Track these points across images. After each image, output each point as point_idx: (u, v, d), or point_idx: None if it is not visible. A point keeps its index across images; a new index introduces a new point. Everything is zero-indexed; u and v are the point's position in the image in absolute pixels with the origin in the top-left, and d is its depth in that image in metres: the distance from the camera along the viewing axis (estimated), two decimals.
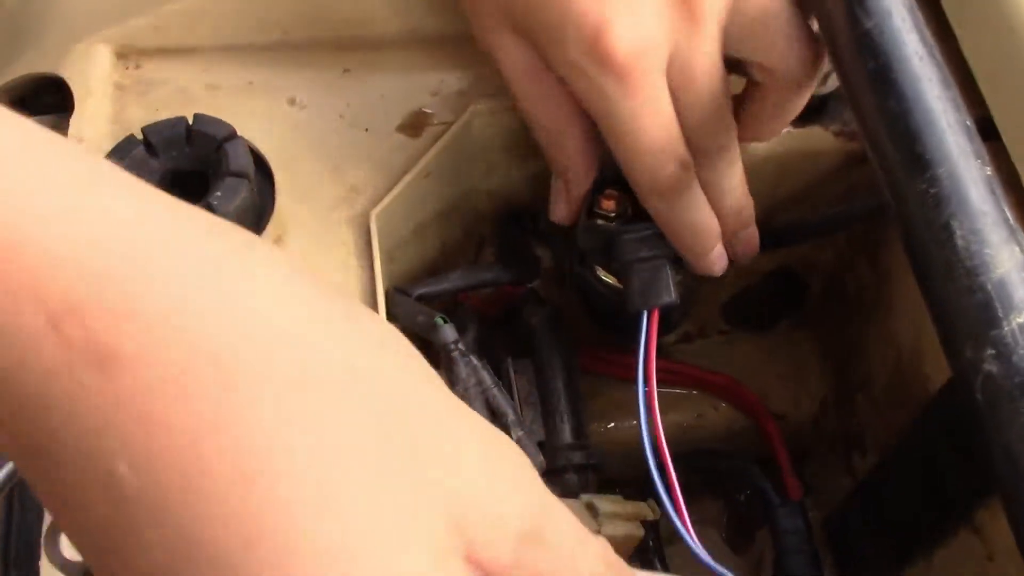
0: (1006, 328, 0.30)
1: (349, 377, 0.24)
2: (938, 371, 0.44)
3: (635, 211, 0.47)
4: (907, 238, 0.33)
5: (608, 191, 0.46)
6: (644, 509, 0.43)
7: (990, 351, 0.30)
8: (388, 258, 0.47)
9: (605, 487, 0.51)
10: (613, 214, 0.47)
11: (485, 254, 0.54)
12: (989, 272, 0.31)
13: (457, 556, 0.25)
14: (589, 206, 0.47)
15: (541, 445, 0.46)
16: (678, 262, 0.45)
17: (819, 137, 0.48)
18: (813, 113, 0.48)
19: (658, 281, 0.45)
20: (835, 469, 0.55)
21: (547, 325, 0.48)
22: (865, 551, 0.52)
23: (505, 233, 0.52)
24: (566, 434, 0.46)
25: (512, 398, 0.46)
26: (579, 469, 0.46)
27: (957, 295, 0.31)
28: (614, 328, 0.49)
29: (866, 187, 0.48)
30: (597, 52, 0.37)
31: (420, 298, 0.44)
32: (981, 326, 0.30)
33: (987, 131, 0.43)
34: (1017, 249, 0.31)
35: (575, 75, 0.39)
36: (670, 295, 0.44)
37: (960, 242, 0.31)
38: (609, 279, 0.47)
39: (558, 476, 0.46)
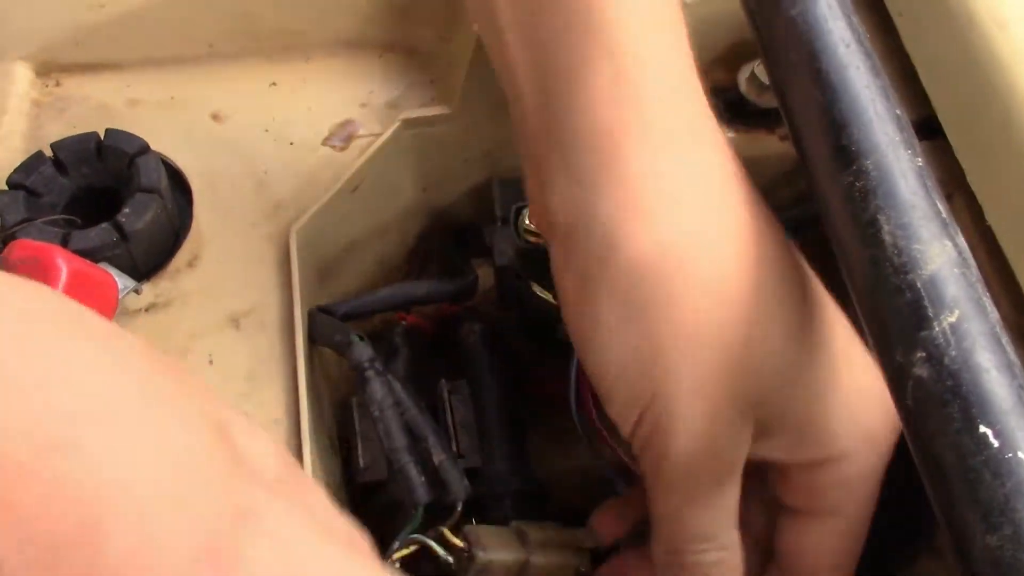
0: (936, 329, 0.28)
1: None
2: None
3: None
4: (834, 236, 0.31)
5: None
6: (578, 537, 0.40)
7: (920, 354, 0.28)
8: (320, 276, 0.45)
9: (555, 516, 0.48)
10: None
11: (429, 272, 0.52)
12: (919, 269, 0.29)
13: None
14: (517, 222, 0.45)
15: (477, 472, 0.44)
16: None
17: (765, 142, 0.46)
18: (759, 118, 0.46)
19: None
20: None
21: (483, 344, 0.45)
22: None
23: (444, 249, 0.50)
24: (502, 460, 0.43)
25: (446, 421, 0.44)
26: (517, 496, 0.43)
27: (885, 295, 0.29)
28: (551, 347, 0.46)
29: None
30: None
31: (346, 316, 0.42)
32: (911, 327, 0.28)
33: (931, 129, 0.41)
34: (949, 244, 0.29)
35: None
36: None
37: (887, 238, 0.29)
38: (545, 295, 0.44)
39: (495, 502, 0.43)
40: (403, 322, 0.46)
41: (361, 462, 0.42)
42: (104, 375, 0.22)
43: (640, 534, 0.40)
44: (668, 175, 0.32)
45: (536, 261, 0.44)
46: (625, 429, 0.35)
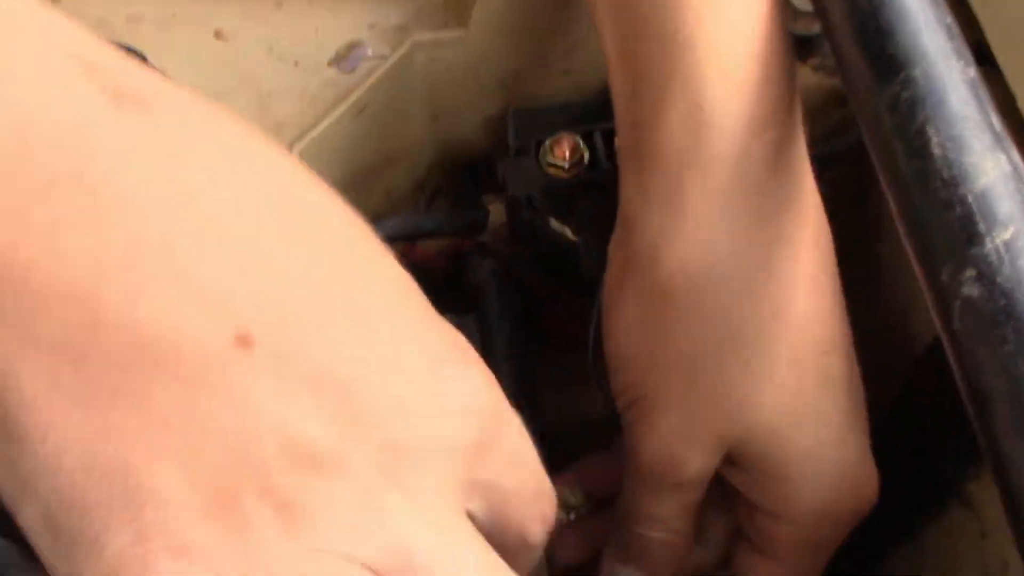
0: (989, 246, 0.26)
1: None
2: (927, 328, 0.40)
3: (592, 159, 0.43)
4: (877, 153, 0.29)
5: (562, 135, 0.42)
6: (564, 493, 0.39)
7: (970, 272, 0.25)
8: None
9: (558, 463, 0.46)
10: (568, 163, 0.42)
11: (439, 207, 0.50)
12: (970, 183, 0.26)
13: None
14: (539, 154, 0.42)
15: None
16: None
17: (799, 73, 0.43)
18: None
19: None
20: None
21: (493, 279, 0.43)
22: (852, 540, 0.48)
23: (456, 183, 0.48)
24: (508, 400, 0.41)
25: None
26: None
27: (933, 210, 0.27)
28: (567, 283, 0.44)
29: (850, 127, 0.43)
30: None
31: None
32: (960, 244, 0.26)
33: (982, 55, 0.38)
34: (1004, 158, 0.27)
35: None
36: None
37: (937, 151, 0.27)
38: (562, 229, 0.42)
39: None
40: (407, 255, 0.44)
41: None
42: None
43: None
44: (717, 212, 0.34)
45: (556, 195, 0.42)
46: (619, 403, 0.38)
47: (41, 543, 0.22)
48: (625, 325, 0.37)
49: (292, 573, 0.21)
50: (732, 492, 0.38)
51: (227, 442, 0.21)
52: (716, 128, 0.34)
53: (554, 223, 0.42)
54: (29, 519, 0.21)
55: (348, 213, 0.25)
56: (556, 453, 0.46)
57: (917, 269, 0.27)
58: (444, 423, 0.23)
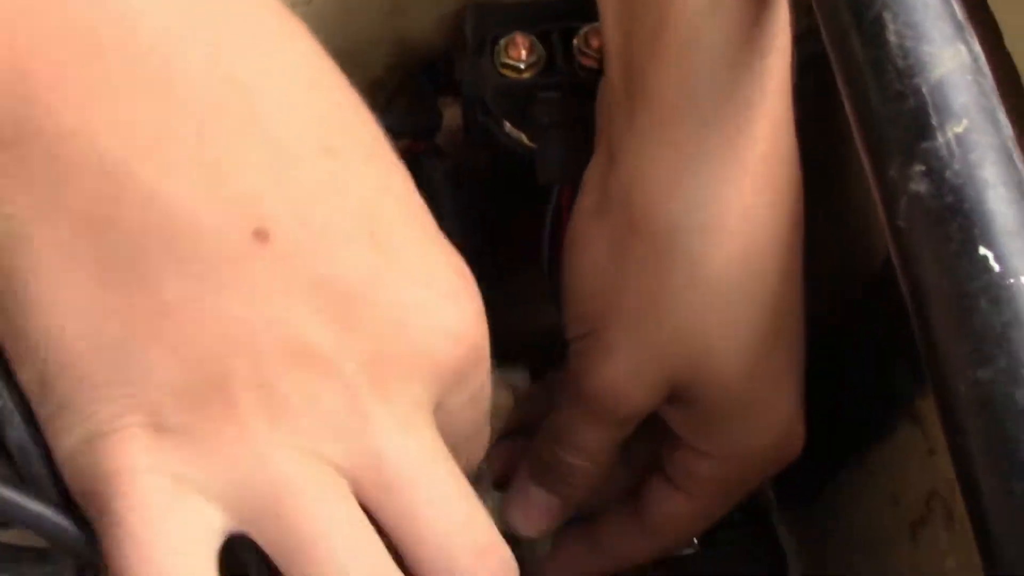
0: (940, 140, 0.24)
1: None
2: (883, 242, 0.38)
3: (551, 60, 0.41)
4: (834, 44, 0.27)
5: (518, 36, 0.40)
6: (514, 377, 0.38)
7: (919, 167, 0.24)
8: None
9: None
10: (523, 64, 0.41)
11: (397, 108, 0.48)
12: (926, 73, 0.25)
13: None
14: (494, 52, 0.41)
15: None
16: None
17: None
18: None
19: (578, 152, 0.39)
20: None
21: (446, 182, 0.42)
22: (802, 456, 0.47)
23: (414, 84, 0.46)
24: None
25: None
26: None
27: (885, 102, 0.25)
28: (522, 193, 0.43)
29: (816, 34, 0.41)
30: None
31: None
32: (911, 137, 0.24)
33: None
34: (963, 49, 0.25)
35: None
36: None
37: (892, 38, 0.25)
38: (517, 135, 0.41)
39: None
40: None
41: None
42: None
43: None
44: (702, 153, 0.34)
45: (512, 98, 0.40)
46: (569, 333, 0.38)
47: (36, 402, 0.23)
48: (592, 259, 0.36)
49: (259, 462, 0.22)
50: (657, 425, 0.38)
51: (227, 331, 0.22)
52: (708, 66, 0.33)
53: (509, 128, 0.41)
54: (27, 380, 0.22)
55: (373, 123, 0.26)
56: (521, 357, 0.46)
57: (867, 166, 0.26)
58: (434, 344, 0.24)
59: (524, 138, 0.41)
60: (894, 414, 0.38)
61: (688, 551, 0.43)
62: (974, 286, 0.23)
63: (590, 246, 0.36)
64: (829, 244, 0.44)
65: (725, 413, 0.36)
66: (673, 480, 0.39)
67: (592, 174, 0.37)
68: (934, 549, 0.37)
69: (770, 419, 0.37)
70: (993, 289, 0.23)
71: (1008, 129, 0.25)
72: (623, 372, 0.36)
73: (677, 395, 0.36)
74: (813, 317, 0.47)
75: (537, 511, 0.40)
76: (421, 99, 0.45)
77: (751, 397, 0.36)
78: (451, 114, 0.46)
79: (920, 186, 0.24)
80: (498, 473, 0.42)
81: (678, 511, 0.39)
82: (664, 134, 0.34)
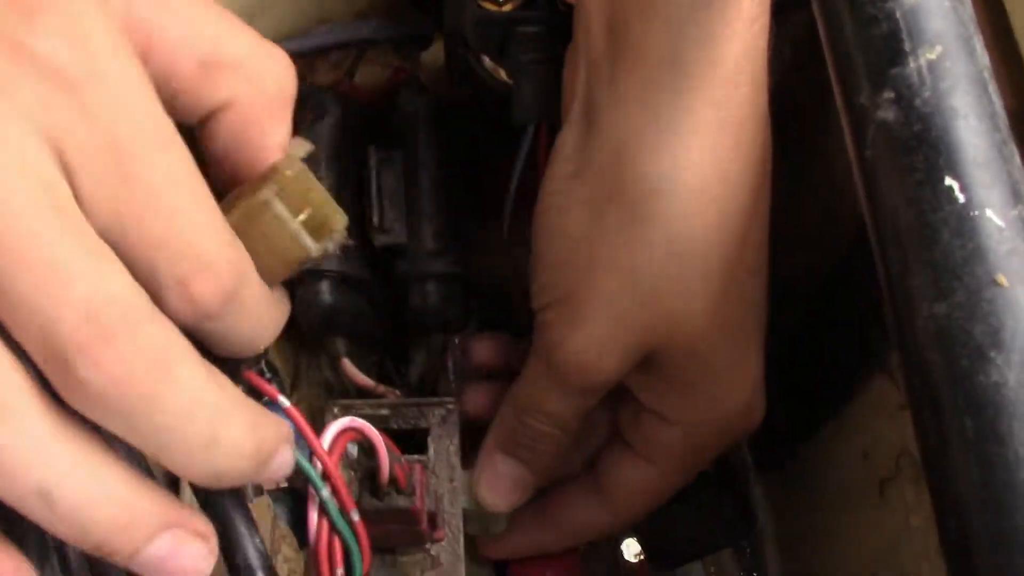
0: (912, 65, 0.23)
1: None
2: None
3: None
4: None
5: None
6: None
7: (888, 94, 0.23)
8: (248, 15, 0.40)
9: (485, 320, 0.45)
10: None
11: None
12: None
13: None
14: None
15: (403, 248, 0.40)
16: None
17: None
18: None
19: (553, 91, 0.38)
20: None
21: (425, 115, 0.41)
22: (777, 417, 0.47)
23: (400, 10, 0.45)
24: (428, 239, 0.40)
25: (371, 192, 0.40)
26: (441, 279, 0.40)
27: (858, 27, 0.24)
28: (501, 128, 0.42)
29: None
30: None
31: None
32: (882, 63, 0.24)
33: None
34: None
35: None
36: (559, 113, 0.38)
37: None
38: (497, 71, 0.40)
39: (418, 283, 0.40)
40: (341, 88, 0.42)
41: (375, 219, 0.39)
42: None
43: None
44: (689, 119, 0.33)
45: (490, 31, 0.39)
46: (537, 301, 0.37)
47: None
48: (566, 226, 0.36)
49: None
50: (620, 392, 0.38)
51: None
52: (697, 26, 0.33)
53: (487, 63, 0.40)
54: None
55: None
56: (483, 313, 0.45)
57: (837, 95, 0.25)
58: None
59: (503, 74, 0.40)
60: (869, 370, 0.37)
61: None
62: (937, 217, 0.22)
63: (564, 213, 0.36)
64: (812, 202, 0.43)
65: (693, 379, 0.36)
66: (634, 447, 0.38)
67: (566, 140, 0.36)
68: (901, 506, 0.37)
69: (736, 385, 0.37)
70: (956, 220, 0.22)
71: (985, 59, 0.24)
72: (595, 342, 0.35)
73: (645, 362, 0.36)
74: (792, 277, 0.46)
75: (504, 483, 0.39)
76: (404, 13, 0.44)
77: (721, 364, 0.36)
78: (434, 52, 0.45)
79: (888, 114, 0.23)
80: (473, 415, 0.42)
81: (639, 479, 0.39)
82: (649, 95, 0.33)
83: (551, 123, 0.38)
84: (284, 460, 0.25)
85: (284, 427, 0.25)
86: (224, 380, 0.23)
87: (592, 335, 0.35)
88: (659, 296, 0.34)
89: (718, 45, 0.33)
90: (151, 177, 0.22)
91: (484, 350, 0.42)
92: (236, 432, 0.23)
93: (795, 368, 0.45)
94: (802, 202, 0.45)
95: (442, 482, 0.37)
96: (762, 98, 0.35)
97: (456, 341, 0.42)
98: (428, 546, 0.37)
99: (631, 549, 0.50)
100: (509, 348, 0.43)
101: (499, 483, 0.39)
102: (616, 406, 0.39)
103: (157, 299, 0.22)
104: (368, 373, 0.42)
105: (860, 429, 0.39)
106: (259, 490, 0.31)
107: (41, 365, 0.21)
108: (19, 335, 0.21)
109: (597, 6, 0.35)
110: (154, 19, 0.24)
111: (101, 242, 0.21)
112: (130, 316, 0.21)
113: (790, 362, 0.45)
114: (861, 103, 0.24)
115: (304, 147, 0.26)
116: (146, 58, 0.24)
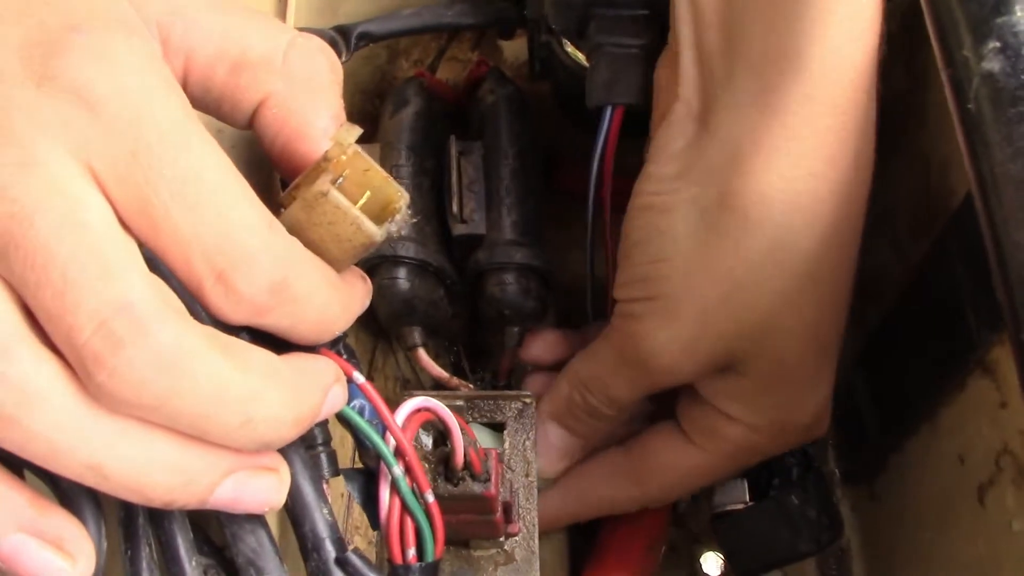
0: (1019, 13, 0.22)
1: None
2: (963, 183, 0.36)
3: None
4: None
5: None
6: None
7: (993, 44, 0.22)
8: (331, 5, 0.41)
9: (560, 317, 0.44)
10: None
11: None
12: None
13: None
14: None
15: (481, 239, 0.39)
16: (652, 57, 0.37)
17: None
18: None
19: (628, 75, 0.37)
20: (848, 328, 0.47)
21: (506, 105, 0.41)
22: (867, 424, 0.45)
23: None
24: (507, 229, 0.39)
25: (450, 182, 0.39)
26: (520, 271, 0.39)
27: None
28: (580, 119, 0.41)
29: None
30: None
31: (362, 36, 0.37)
32: (985, 12, 0.23)
33: None
34: None
35: None
36: (637, 96, 0.37)
37: None
38: (577, 56, 0.39)
39: (496, 274, 0.39)
40: (421, 78, 0.42)
41: (455, 208, 0.39)
42: None
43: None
44: (811, 126, 0.33)
45: (569, 12, 0.38)
46: (621, 292, 0.36)
47: None
48: (669, 223, 0.35)
49: None
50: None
51: None
52: (819, 33, 0.32)
53: (568, 47, 0.39)
54: None
55: None
56: (562, 308, 0.44)
57: (937, 51, 0.24)
58: None
59: (583, 60, 0.39)
60: (966, 364, 0.35)
61: (738, 506, 0.41)
62: None
63: (667, 212, 0.35)
64: (903, 195, 0.42)
65: (771, 388, 0.36)
66: (689, 435, 0.38)
67: (670, 139, 0.35)
68: (1001, 512, 0.35)
69: (811, 397, 0.36)
70: None
71: None
72: (681, 342, 0.35)
73: (726, 367, 0.36)
74: (880, 270, 0.44)
75: (554, 451, 0.39)
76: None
77: (803, 375, 0.36)
78: (514, 48, 0.45)
79: (993, 64, 0.22)
80: (532, 359, 0.42)
81: (685, 464, 0.38)
82: (770, 99, 0.32)
83: (626, 107, 0.37)
84: (335, 402, 0.26)
85: (328, 374, 0.26)
86: (250, 361, 0.23)
87: (680, 335, 0.35)
88: (756, 305, 0.34)
89: (843, 51, 0.32)
90: (174, 176, 0.23)
91: (537, 347, 0.42)
92: (272, 408, 0.24)
93: (885, 369, 0.43)
94: (893, 195, 0.43)
95: (517, 476, 0.36)
96: (875, 108, 0.34)
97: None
98: (502, 540, 0.36)
99: (709, 563, 0.49)
100: (560, 345, 0.42)
101: (550, 451, 0.40)
102: (676, 392, 0.39)
103: (202, 299, 0.23)
104: (443, 368, 0.41)
105: (956, 431, 0.37)
106: (334, 470, 0.30)
107: (73, 366, 0.22)
108: (52, 339, 0.22)
109: (710, 2, 0.34)
110: (188, 42, 0.25)
111: (124, 250, 0.22)
112: (139, 323, 0.22)
113: (879, 363, 0.44)
114: (963, 55, 0.23)
115: (354, 131, 0.26)
116: (187, 77, 0.26)
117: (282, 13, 0.37)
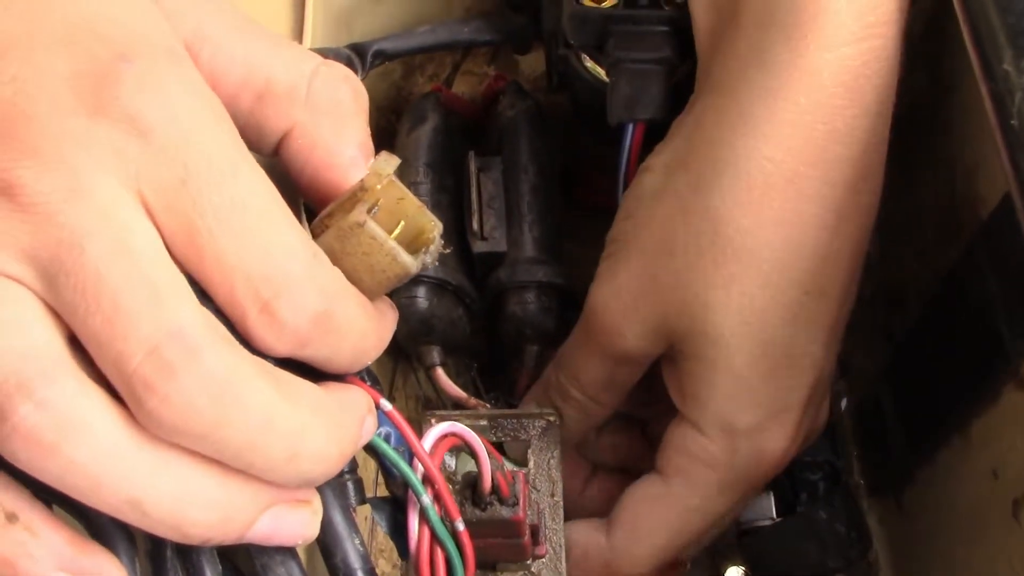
0: None
1: None
2: (993, 189, 0.35)
3: None
4: None
5: None
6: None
7: None
8: (347, 23, 0.40)
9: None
10: None
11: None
12: None
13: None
14: None
15: (502, 256, 0.39)
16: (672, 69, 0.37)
17: None
18: None
19: (649, 91, 0.37)
20: (873, 340, 0.46)
21: (526, 120, 0.40)
22: (895, 437, 0.44)
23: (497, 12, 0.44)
24: (528, 247, 0.39)
25: (470, 199, 0.39)
26: (541, 288, 0.38)
27: None
28: (599, 133, 0.41)
29: None
30: None
31: (378, 55, 0.37)
32: None
33: None
34: None
35: None
36: (658, 111, 0.37)
37: None
38: (597, 71, 0.39)
39: (517, 293, 0.39)
40: (438, 92, 0.42)
41: (475, 225, 0.38)
42: None
43: None
44: (814, 108, 0.32)
45: (587, 28, 0.38)
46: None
47: None
48: (642, 182, 0.35)
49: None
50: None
51: None
52: (781, 34, 0.32)
53: (587, 61, 0.39)
54: None
55: None
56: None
57: (975, 64, 0.24)
58: None
59: (603, 74, 0.39)
60: (998, 376, 0.35)
61: (765, 522, 0.40)
62: None
63: (643, 173, 0.35)
64: (935, 196, 0.41)
65: (718, 384, 0.34)
66: (661, 471, 0.37)
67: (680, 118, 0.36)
68: None
69: (773, 422, 0.34)
70: None
71: None
72: (623, 299, 0.34)
73: (674, 353, 0.35)
74: (906, 278, 0.44)
75: None
76: (503, 14, 0.43)
77: (752, 381, 0.34)
78: (532, 62, 0.45)
79: None
80: None
81: (654, 503, 0.37)
82: (736, 86, 0.33)
83: (647, 123, 0.37)
84: (368, 433, 0.26)
85: (363, 404, 0.26)
86: (299, 394, 0.23)
87: (619, 292, 0.35)
88: (692, 275, 0.33)
89: (807, 52, 0.32)
90: (220, 203, 0.23)
91: None
92: (317, 443, 0.23)
93: (912, 380, 0.42)
94: (917, 204, 0.43)
95: (543, 496, 0.36)
96: (865, 119, 0.33)
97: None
98: (529, 563, 0.35)
99: None
100: None
101: None
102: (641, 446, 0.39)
103: (246, 331, 0.23)
104: (463, 388, 0.41)
105: (989, 444, 0.37)
106: (361, 498, 0.30)
107: (121, 394, 0.22)
108: (99, 367, 0.22)
109: (703, 10, 0.35)
110: (213, 68, 0.25)
111: (173, 277, 0.22)
112: (191, 350, 0.22)
113: (906, 374, 0.43)
114: (1004, 69, 0.22)
115: (392, 161, 0.26)
116: None
117: (299, 32, 0.37)
